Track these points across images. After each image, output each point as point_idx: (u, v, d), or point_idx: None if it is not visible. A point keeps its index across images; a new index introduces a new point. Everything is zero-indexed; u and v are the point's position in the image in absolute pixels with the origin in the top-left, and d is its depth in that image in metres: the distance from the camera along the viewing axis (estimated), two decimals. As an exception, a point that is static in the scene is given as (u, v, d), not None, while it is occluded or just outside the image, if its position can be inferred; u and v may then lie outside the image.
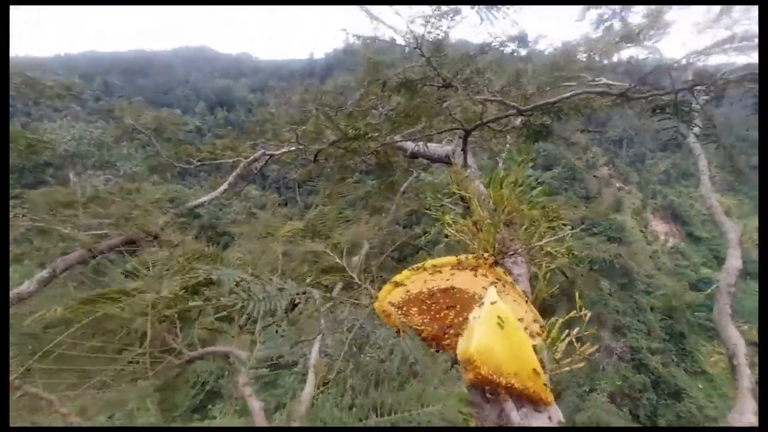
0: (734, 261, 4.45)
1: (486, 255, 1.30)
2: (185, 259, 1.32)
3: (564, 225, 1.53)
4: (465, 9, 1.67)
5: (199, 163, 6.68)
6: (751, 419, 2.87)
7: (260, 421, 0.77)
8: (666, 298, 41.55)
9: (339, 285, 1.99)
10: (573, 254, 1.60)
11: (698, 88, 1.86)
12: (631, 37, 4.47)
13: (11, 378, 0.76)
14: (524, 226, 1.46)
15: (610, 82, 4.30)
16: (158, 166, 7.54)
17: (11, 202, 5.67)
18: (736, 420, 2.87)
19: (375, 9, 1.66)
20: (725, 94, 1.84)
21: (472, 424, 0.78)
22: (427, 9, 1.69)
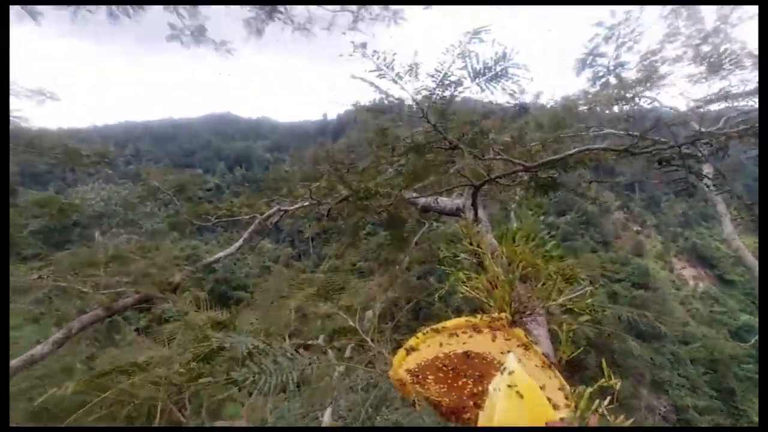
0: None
1: (503, 314, 1.26)
2: (199, 328, 1.32)
3: (582, 280, 1.49)
4: (467, 80, 1.82)
5: (216, 220, 6.92)
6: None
7: None
8: (706, 350, 38.29)
9: (350, 346, 1.92)
10: (595, 310, 1.53)
11: (701, 141, 1.90)
12: (625, 96, 4.66)
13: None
14: (541, 283, 1.43)
15: (614, 131, 4.40)
16: (178, 223, 7.82)
17: (37, 264, 5.87)
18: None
19: (380, 80, 1.83)
20: (729, 146, 1.86)
21: None
22: (431, 83, 1.85)
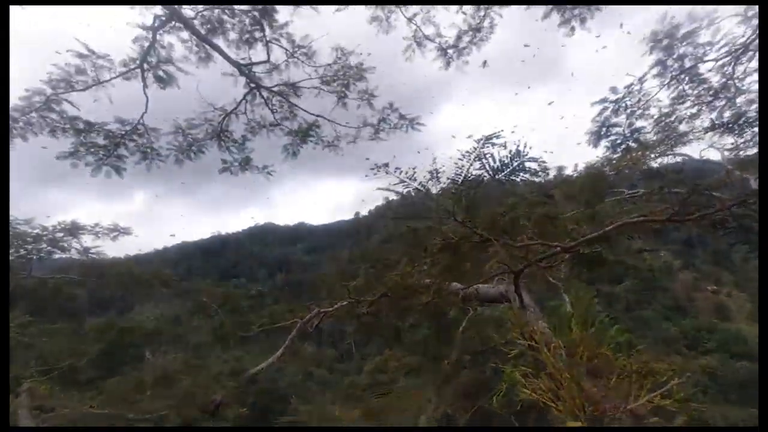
0: None
1: (576, 423, 1.09)
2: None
3: (668, 372, 1.29)
4: (487, 176, 1.95)
5: (259, 329, 6.95)
6: None
7: None
8: None
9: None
10: (691, 402, 1.29)
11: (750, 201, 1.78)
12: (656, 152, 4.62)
13: None
14: (614, 377, 1.25)
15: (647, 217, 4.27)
16: (222, 335, 7.94)
17: (91, 391, 5.96)
18: None
19: (402, 187, 1.99)
20: None
21: None
22: (452, 184, 1.98)
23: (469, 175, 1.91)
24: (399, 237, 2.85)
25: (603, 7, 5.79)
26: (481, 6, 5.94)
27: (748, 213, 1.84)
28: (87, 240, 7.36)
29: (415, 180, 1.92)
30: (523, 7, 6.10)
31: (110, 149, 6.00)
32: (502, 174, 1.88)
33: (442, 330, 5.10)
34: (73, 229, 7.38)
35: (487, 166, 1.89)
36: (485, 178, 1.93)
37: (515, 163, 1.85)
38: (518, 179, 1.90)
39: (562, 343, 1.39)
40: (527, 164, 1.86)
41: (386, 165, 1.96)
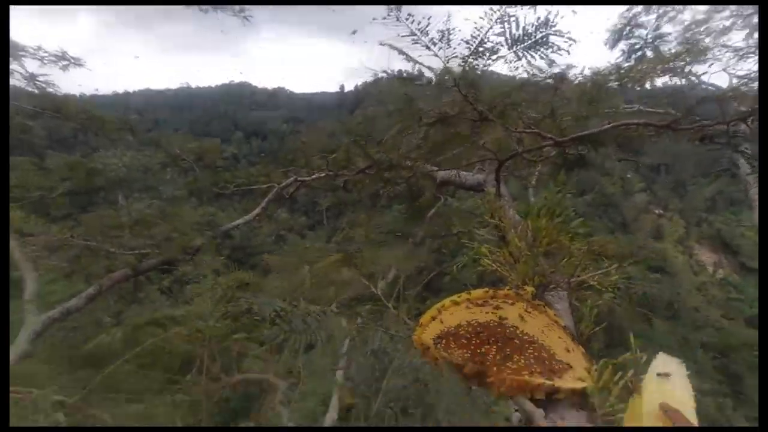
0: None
1: (526, 288, 1.26)
2: (228, 287, 1.37)
3: (610, 257, 1.46)
4: (503, 48, 1.73)
5: (235, 188, 7.04)
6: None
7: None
8: (718, 335, 37.88)
9: (367, 306, 1.97)
10: (618, 288, 1.52)
11: (753, 118, 1.76)
12: (669, 66, 4.34)
13: (71, 400, 0.81)
14: (565, 258, 1.41)
15: (646, 109, 4.17)
16: (197, 190, 8.02)
17: (68, 223, 6.14)
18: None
19: (410, 47, 1.75)
20: None
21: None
22: (464, 50, 1.76)
23: (486, 40, 1.70)
24: (391, 108, 2.70)
25: None
26: None
27: (741, 133, 1.87)
28: (31, 66, 6.43)
29: (427, 34, 1.68)
30: None
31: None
32: (521, 46, 1.69)
33: (413, 212, 5.39)
34: (13, 50, 6.35)
35: (507, 33, 1.68)
36: (500, 49, 1.74)
37: (539, 34, 1.65)
38: (536, 56, 1.73)
39: (529, 227, 1.50)
40: (552, 38, 1.66)
41: (399, 8, 1.67)
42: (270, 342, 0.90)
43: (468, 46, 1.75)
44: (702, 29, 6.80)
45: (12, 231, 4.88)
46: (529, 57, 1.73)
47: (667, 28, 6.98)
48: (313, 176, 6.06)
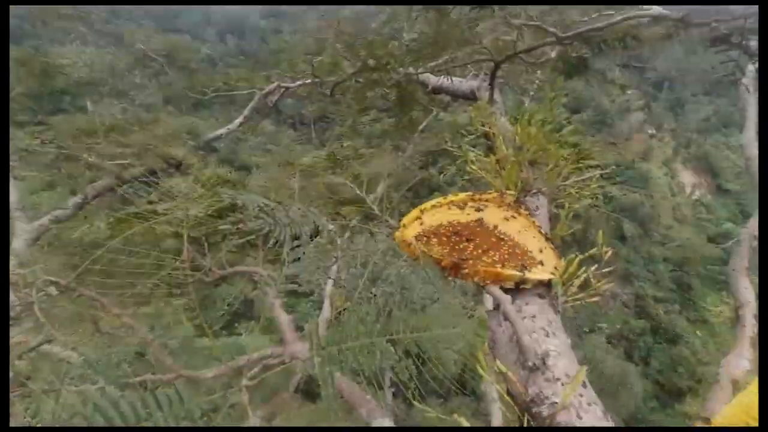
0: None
1: (508, 192, 1.28)
2: (210, 184, 1.36)
3: (592, 167, 1.47)
4: None
5: (213, 94, 6.54)
6: (746, 365, 2.99)
7: (289, 332, 0.85)
8: (680, 250, 41.31)
9: (356, 218, 2.03)
10: (597, 197, 1.56)
11: None
12: None
13: (65, 282, 0.84)
14: (550, 166, 1.41)
15: (663, 10, 3.79)
16: (172, 96, 7.45)
17: (38, 128, 5.78)
18: (731, 364, 2.99)
19: None
20: None
21: (486, 347, 0.84)
22: None
23: None
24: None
25: None
26: None
27: (753, 33, 1.71)
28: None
29: None
30: None
31: None
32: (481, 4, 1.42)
33: (403, 123, 5.20)
34: None
35: None
36: None
37: None
38: None
39: (517, 134, 1.46)
40: None
41: None
42: (255, 233, 0.93)
43: None
44: None
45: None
46: None
47: None
48: (298, 83, 5.63)
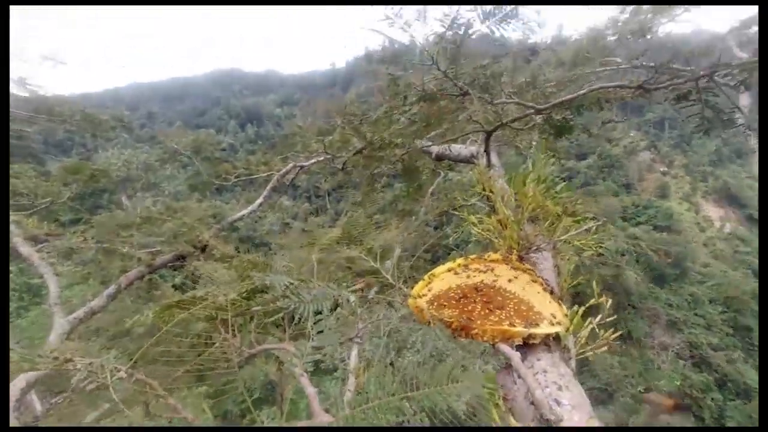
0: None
1: (511, 251, 1.37)
2: (242, 269, 1.50)
3: (590, 218, 1.56)
4: (477, 21, 1.76)
5: (235, 179, 7.12)
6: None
7: (315, 405, 0.90)
8: (722, 288, 38.23)
9: (374, 289, 2.11)
10: (600, 246, 1.62)
11: (720, 73, 1.79)
12: (656, 23, 4.25)
13: (124, 368, 0.94)
14: (548, 222, 1.51)
15: (640, 64, 4.13)
16: (198, 184, 8.12)
17: (80, 227, 6.30)
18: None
19: (387, 24, 1.78)
20: (751, 80, 1.76)
21: (501, 403, 0.86)
22: (440, 27, 1.79)
23: (459, 16, 1.73)
24: (377, 92, 2.75)
25: None
26: None
27: (711, 88, 1.90)
28: (17, 68, 6.43)
29: (401, 17, 1.73)
30: None
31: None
32: (494, 19, 1.72)
33: (413, 189, 5.47)
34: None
35: (479, 9, 1.70)
36: (474, 22, 1.77)
37: (509, 8, 1.68)
38: (508, 30, 1.76)
39: (514, 195, 1.60)
40: (522, 9, 1.69)
41: None
42: (283, 311, 1.01)
43: (442, 24, 1.79)
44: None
45: (28, 237, 5.05)
46: (502, 30, 1.76)
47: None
48: (312, 161, 6.12)
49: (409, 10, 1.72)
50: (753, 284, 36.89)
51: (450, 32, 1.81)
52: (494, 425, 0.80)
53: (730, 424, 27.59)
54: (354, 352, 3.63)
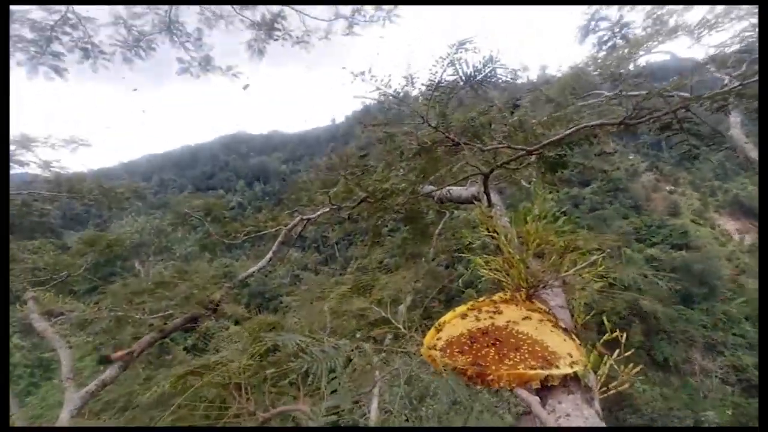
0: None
1: (520, 290, 1.37)
2: (254, 330, 1.51)
3: (595, 249, 1.57)
4: (461, 83, 1.93)
5: (245, 237, 7.26)
6: None
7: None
8: (756, 303, 36.13)
9: (389, 336, 2.08)
10: (609, 276, 1.61)
11: (694, 104, 1.90)
12: (636, 48, 4.51)
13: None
14: (552, 257, 1.52)
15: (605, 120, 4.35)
16: (209, 244, 8.26)
17: (93, 297, 6.37)
18: None
19: (378, 94, 1.97)
20: (727, 106, 1.86)
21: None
22: (424, 89, 1.97)
23: (443, 81, 1.90)
24: (377, 143, 2.92)
25: None
26: None
27: (689, 116, 2.00)
28: (42, 152, 6.94)
29: (390, 87, 1.91)
30: None
31: (42, 44, 5.30)
32: (475, 80, 1.89)
33: (419, 232, 5.52)
34: (25, 141, 6.89)
35: (460, 72, 1.88)
36: (459, 84, 1.94)
37: (487, 69, 1.85)
38: (490, 85, 1.92)
39: (516, 233, 1.63)
40: (498, 71, 1.86)
41: (362, 73, 1.92)
42: (296, 372, 1.00)
43: (428, 88, 1.96)
44: (664, 11, 7.07)
45: (43, 312, 5.10)
46: (483, 88, 1.92)
47: (630, 15, 7.28)
48: (318, 213, 6.26)
49: (398, 80, 1.91)
50: (789, 298, 34.81)
51: (436, 94, 1.98)
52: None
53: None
54: (374, 405, 3.44)
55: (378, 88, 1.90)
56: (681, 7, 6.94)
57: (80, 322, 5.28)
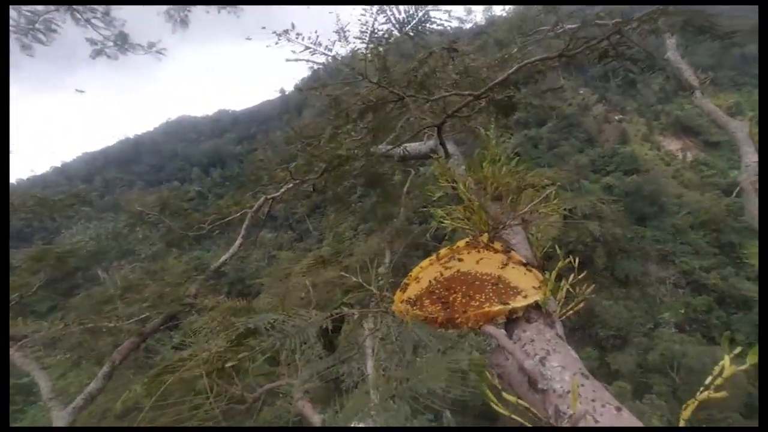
0: (750, 156, 4.45)
1: (481, 234, 1.42)
2: (223, 318, 1.48)
3: (547, 185, 1.63)
4: (395, 31, 1.83)
5: (210, 226, 6.97)
6: None
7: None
8: (699, 213, 40.11)
9: (373, 300, 2.12)
10: (564, 208, 1.69)
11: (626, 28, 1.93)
12: None
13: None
14: (509, 198, 1.57)
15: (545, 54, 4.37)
16: (173, 240, 7.90)
17: (58, 315, 6.01)
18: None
19: (309, 53, 1.83)
20: (657, 29, 1.91)
21: (496, 382, 0.89)
22: (361, 43, 1.85)
23: (376, 31, 1.80)
24: (329, 109, 2.79)
25: None
26: None
27: (623, 41, 2.05)
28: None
29: (320, 44, 1.78)
30: None
31: None
32: (410, 26, 1.80)
33: (387, 194, 5.52)
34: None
35: (392, 19, 1.78)
36: (393, 33, 1.85)
37: (420, 13, 1.76)
38: (430, 32, 1.84)
39: (474, 180, 1.65)
40: (432, 14, 1.78)
41: (286, 32, 1.77)
42: (270, 351, 1.00)
43: (362, 40, 1.85)
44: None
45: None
46: (420, 34, 1.84)
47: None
48: (282, 190, 6.07)
49: (329, 35, 1.78)
50: (724, 202, 38.75)
51: (371, 46, 1.87)
52: (496, 408, 0.83)
53: (738, 336, 28.65)
54: (370, 363, 3.59)
55: (307, 47, 1.77)
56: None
57: (49, 341, 5.01)
